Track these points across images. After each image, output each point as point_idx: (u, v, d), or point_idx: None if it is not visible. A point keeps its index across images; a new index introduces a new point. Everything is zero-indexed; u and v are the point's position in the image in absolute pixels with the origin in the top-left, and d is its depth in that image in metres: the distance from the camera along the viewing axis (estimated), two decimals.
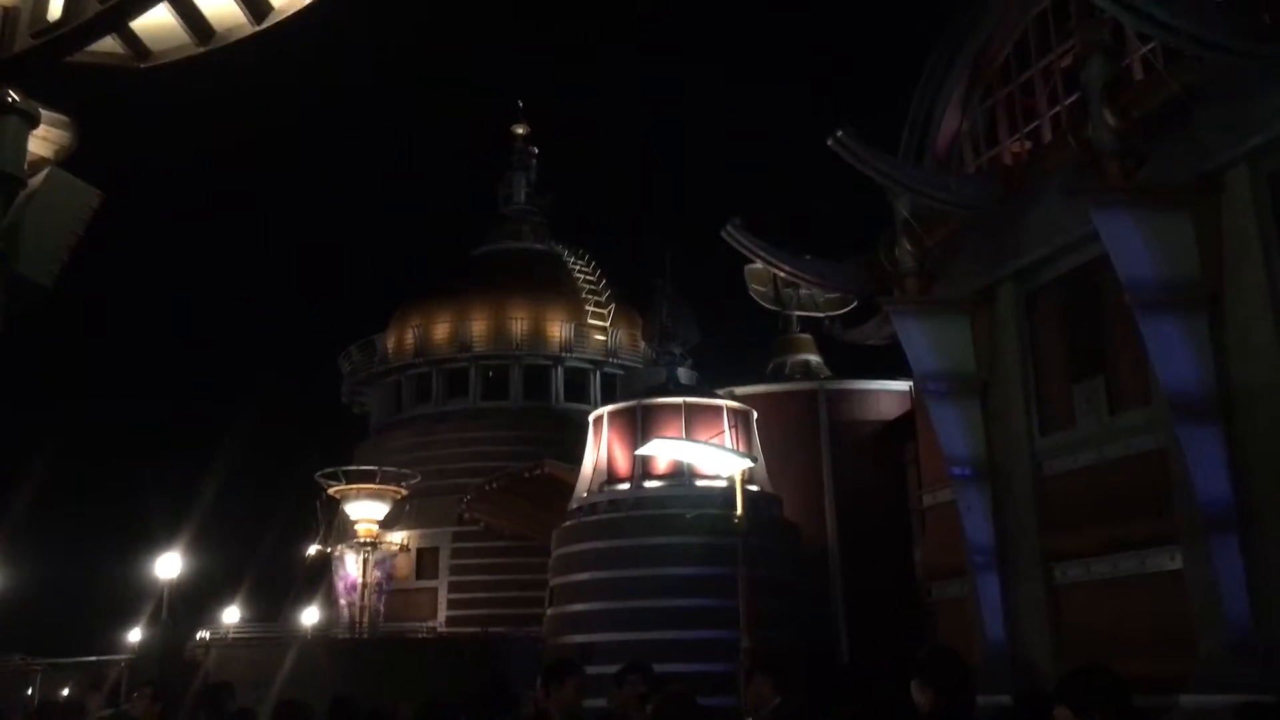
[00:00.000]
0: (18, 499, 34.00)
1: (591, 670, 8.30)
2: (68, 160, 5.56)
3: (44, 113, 5.32)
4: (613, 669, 7.86)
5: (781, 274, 20.59)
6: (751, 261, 21.25)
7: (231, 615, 42.04)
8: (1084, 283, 14.66)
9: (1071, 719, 4.10)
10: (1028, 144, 16.90)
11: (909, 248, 16.63)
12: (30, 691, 28.94)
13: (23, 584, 41.82)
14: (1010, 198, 15.31)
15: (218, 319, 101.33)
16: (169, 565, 30.45)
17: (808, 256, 19.43)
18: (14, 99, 5.06)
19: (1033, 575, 14.76)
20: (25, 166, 5.19)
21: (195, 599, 37.40)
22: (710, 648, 20.94)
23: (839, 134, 14.49)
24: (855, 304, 22.38)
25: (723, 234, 18.86)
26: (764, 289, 25.39)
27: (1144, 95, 13.15)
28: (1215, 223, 12.45)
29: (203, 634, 33.95)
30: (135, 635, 38.48)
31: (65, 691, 23.97)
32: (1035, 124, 16.69)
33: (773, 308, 26.98)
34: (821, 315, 25.29)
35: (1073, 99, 15.08)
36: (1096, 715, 4.06)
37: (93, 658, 32.41)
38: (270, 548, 44.80)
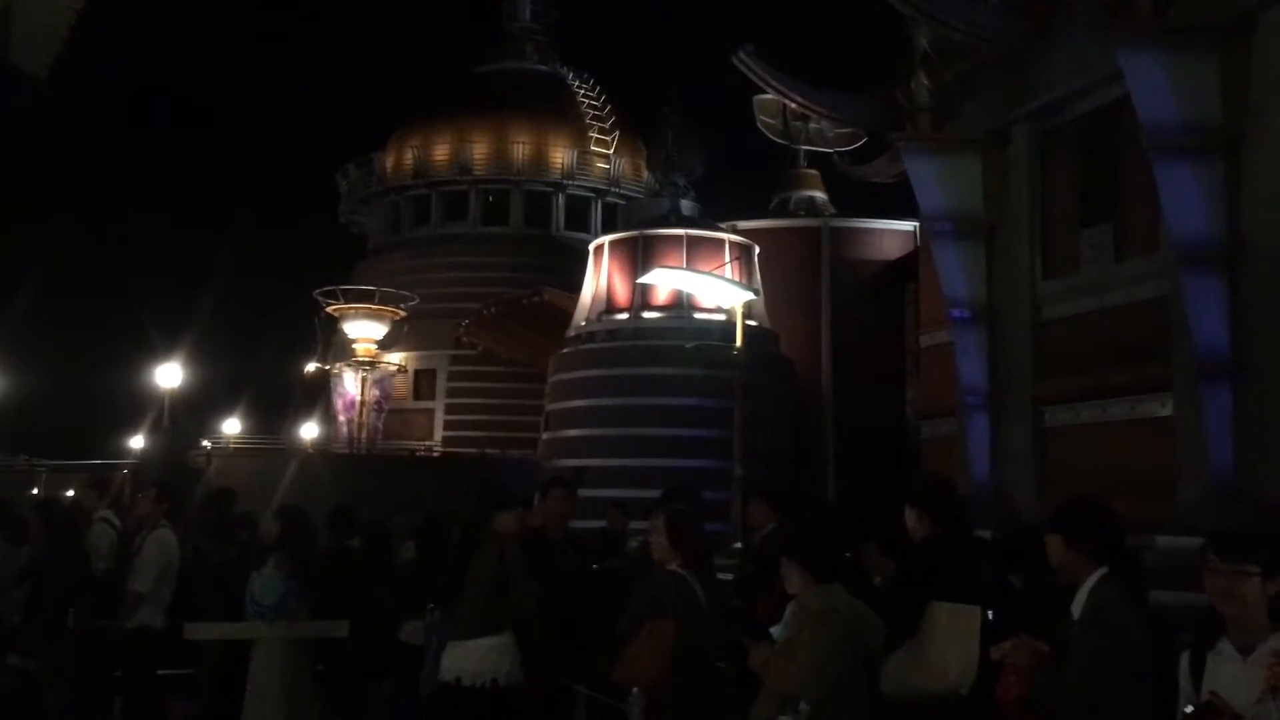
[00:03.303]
0: (17, 308, 34.19)
1: (584, 494, 8.51)
2: None
3: None
4: (605, 493, 8.04)
5: (792, 105, 20.09)
6: (762, 91, 20.72)
7: (232, 427, 42.82)
8: (1101, 126, 14.31)
9: (1062, 546, 4.17)
10: None
11: (925, 82, 16.15)
12: (35, 491, 29.72)
13: (27, 390, 42.50)
14: (1034, 33, 14.79)
15: (215, 129, 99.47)
16: (169, 375, 30.90)
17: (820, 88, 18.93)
18: None
19: (1022, 417, 14.93)
20: None
21: (196, 409, 38.07)
22: (702, 476, 21.33)
23: None
24: (865, 140, 21.96)
25: (733, 60, 18.28)
26: (773, 121, 24.86)
27: None
28: (1244, 65, 12.05)
29: (204, 443, 34.61)
30: (138, 442, 39.26)
31: (70, 493, 24.59)
32: None
33: (780, 141, 26.50)
34: (830, 150, 24.86)
35: None
36: (1088, 544, 4.13)
37: (96, 461, 33.15)
38: (269, 363, 45.38)
